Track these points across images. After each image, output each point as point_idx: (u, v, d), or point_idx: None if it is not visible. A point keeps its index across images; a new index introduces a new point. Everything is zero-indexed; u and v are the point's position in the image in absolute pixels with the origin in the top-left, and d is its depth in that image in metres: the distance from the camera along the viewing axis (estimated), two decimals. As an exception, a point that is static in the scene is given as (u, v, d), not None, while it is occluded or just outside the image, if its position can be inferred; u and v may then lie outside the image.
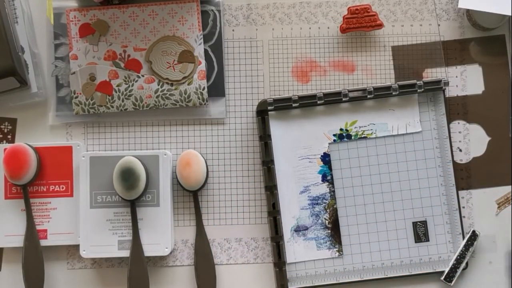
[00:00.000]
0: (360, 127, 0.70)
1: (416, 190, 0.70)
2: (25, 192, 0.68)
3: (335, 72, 0.72)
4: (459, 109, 0.72)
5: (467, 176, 0.71)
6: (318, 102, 0.69)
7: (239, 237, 0.70)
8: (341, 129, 0.70)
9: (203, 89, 0.70)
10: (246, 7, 0.72)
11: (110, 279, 0.70)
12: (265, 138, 0.69)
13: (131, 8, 0.70)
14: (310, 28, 0.72)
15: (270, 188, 0.68)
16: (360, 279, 0.69)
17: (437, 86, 0.69)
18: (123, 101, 0.70)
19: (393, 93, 0.69)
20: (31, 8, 0.71)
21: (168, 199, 0.68)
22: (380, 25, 0.70)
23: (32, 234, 0.68)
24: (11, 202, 0.69)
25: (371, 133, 0.70)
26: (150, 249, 0.67)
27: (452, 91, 0.72)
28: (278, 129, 0.70)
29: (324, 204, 0.69)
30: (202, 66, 0.70)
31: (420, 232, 0.69)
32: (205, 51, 0.71)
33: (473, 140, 0.71)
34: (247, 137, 0.71)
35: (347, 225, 0.69)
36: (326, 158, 0.70)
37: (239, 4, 0.72)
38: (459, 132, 0.71)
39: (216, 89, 0.71)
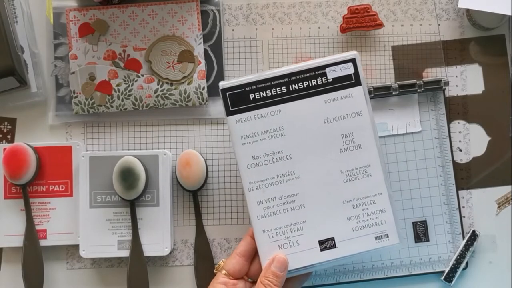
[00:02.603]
0: (360, 127, 0.70)
1: (416, 190, 0.70)
2: (24, 192, 0.68)
3: (335, 72, 0.72)
4: (459, 109, 0.72)
5: (467, 176, 0.71)
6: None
7: (239, 237, 0.70)
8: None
9: (203, 88, 0.70)
10: (246, 7, 0.72)
11: (110, 279, 0.70)
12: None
13: (131, 7, 0.70)
14: (310, 28, 0.72)
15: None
16: (360, 279, 0.69)
17: (437, 86, 0.69)
18: (122, 100, 0.70)
19: (393, 93, 0.69)
20: (31, 8, 0.71)
21: (168, 199, 0.68)
22: (380, 25, 0.70)
23: (32, 234, 0.68)
24: (10, 202, 0.69)
25: (371, 133, 0.70)
26: (149, 249, 0.67)
27: (452, 91, 0.72)
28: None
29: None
30: (202, 66, 0.70)
31: (420, 232, 0.69)
32: (205, 50, 0.71)
33: (473, 140, 0.71)
34: (247, 137, 0.71)
35: (347, 225, 0.69)
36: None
37: (239, 4, 0.72)
38: (459, 132, 0.71)
39: (216, 89, 0.71)
